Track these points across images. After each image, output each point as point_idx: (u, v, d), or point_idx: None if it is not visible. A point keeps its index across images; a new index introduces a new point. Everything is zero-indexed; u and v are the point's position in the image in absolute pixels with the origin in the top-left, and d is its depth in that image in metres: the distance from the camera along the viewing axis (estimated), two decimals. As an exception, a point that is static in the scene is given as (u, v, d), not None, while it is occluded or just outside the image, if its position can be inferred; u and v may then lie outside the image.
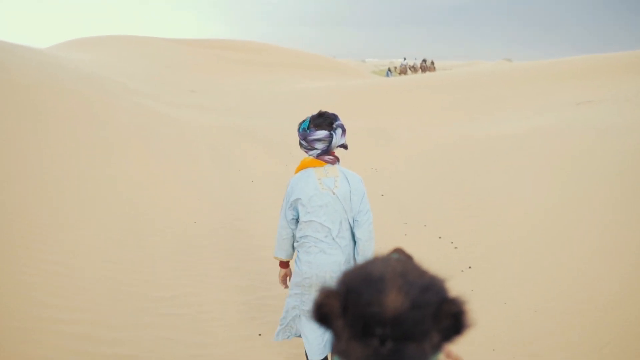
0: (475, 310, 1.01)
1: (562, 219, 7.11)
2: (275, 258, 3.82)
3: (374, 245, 3.57)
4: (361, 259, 3.51)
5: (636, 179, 7.70)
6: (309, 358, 3.65)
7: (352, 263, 3.59)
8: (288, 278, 3.90)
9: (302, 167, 3.56)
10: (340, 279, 1.07)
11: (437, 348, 1.01)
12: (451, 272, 6.45)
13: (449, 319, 1.00)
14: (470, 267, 6.34)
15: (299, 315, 3.68)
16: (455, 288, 1.07)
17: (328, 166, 3.51)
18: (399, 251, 1.36)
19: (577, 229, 6.75)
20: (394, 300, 0.97)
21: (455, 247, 6.87)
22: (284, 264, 3.85)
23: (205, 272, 5.96)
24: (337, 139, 3.47)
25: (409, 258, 1.28)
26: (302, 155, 11.44)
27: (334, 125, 3.49)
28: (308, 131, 3.47)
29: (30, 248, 5.59)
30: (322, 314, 1.02)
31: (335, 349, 1.04)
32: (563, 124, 11.34)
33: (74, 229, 6.34)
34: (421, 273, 1.05)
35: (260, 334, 4.87)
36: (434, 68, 39.58)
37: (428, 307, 0.98)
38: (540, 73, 19.12)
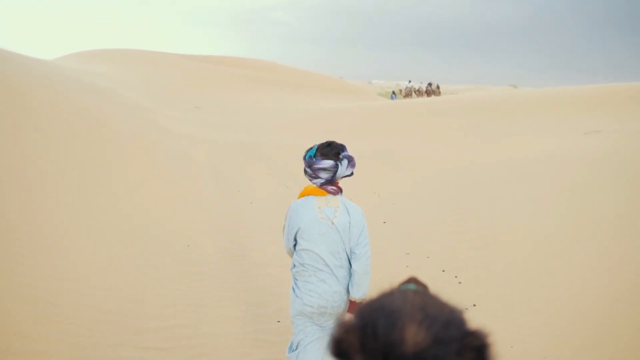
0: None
1: (572, 256, 6.75)
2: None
3: (369, 279, 3.45)
4: (355, 291, 3.40)
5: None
6: None
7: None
8: None
9: (305, 193, 3.49)
10: (358, 312, 1.03)
11: None
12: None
13: (472, 352, 0.97)
14: (474, 305, 5.97)
15: (300, 349, 3.53)
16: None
17: (330, 196, 3.44)
18: (414, 280, 1.28)
19: (589, 267, 6.39)
20: (414, 336, 0.94)
21: (460, 282, 6.50)
22: None
23: (196, 301, 5.59)
24: (342, 170, 3.41)
25: (424, 288, 1.22)
26: (304, 177, 11.18)
27: (341, 156, 3.43)
28: (314, 159, 3.41)
29: (14, 271, 5.26)
30: (340, 349, 0.99)
31: None
32: (572, 154, 11.02)
33: (62, 251, 6.00)
34: (440, 305, 1.03)
35: (250, 373, 4.52)
36: (439, 92, 39.28)
37: (451, 344, 0.95)
38: (548, 101, 18.81)
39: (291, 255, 3.60)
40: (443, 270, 6.81)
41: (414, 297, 1.03)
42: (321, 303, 3.38)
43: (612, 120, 15.03)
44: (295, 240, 3.49)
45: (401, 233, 8.16)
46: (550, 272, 6.48)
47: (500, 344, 3.92)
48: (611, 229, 7.35)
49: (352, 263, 3.42)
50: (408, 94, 38.75)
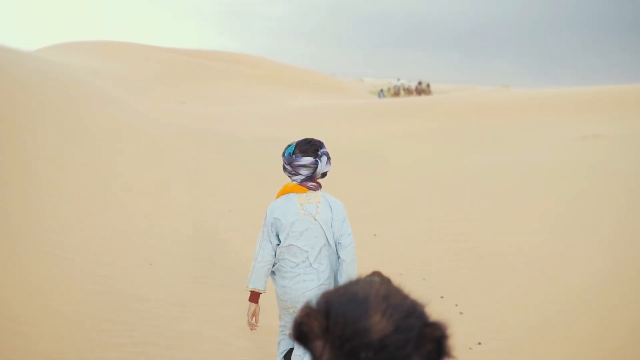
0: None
1: (578, 281, 5.81)
2: (251, 290, 3.47)
3: (357, 267, 3.43)
4: (344, 280, 3.35)
5: None
6: None
7: (328, 287, 3.28)
8: (255, 318, 3.50)
9: (284, 192, 3.45)
10: (322, 298, 1.02)
11: None
12: (456, 348, 5.13)
13: (431, 343, 0.97)
14: (480, 344, 4.98)
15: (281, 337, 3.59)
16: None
17: (310, 192, 3.42)
18: (377, 274, 1.17)
19: (606, 293, 5.42)
20: (378, 324, 0.95)
21: (461, 313, 5.50)
22: (255, 298, 3.49)
23: (142, 340, 4.52)
24: (322, 166, 3.41)
25: (388, 281, 1.15)
26: (286, 180, 10.18)
27: (319, 153, 3.42)
28: (294, 156, 3.40)
29: None
30: (301, 332, 0.99)
31: None
32: (568, 163, 10.12)
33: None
34: (403, 297, 1.04)
35: None
36: (430, 91, 38.20)
37: (411, 332, 0.96)
38: (542, 102, 17.89)
39: (264, 262, 3.41)
40: (442, 297, 5.82)
41: (378, 287, 1.02)
42: (293, 298, 3.36)
43: (610, 124, 14.11)
44: (278, 238, 3.41)
45: (394, 249, 7.16)
46: (564, 299, 5.52)
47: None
48: (618, 243, 6.53)
49: (339, 253, 3.41)
50: (396, 92, 37.59)
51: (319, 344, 0.97)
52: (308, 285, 3.36)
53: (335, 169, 4.16)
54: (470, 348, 4.88)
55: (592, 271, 5.99)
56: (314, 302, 1.01)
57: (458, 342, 4.34)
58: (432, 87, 39.89)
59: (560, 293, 5.66)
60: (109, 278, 5.44)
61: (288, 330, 3.43)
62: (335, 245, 3.44)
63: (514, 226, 7.62)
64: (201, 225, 7.37)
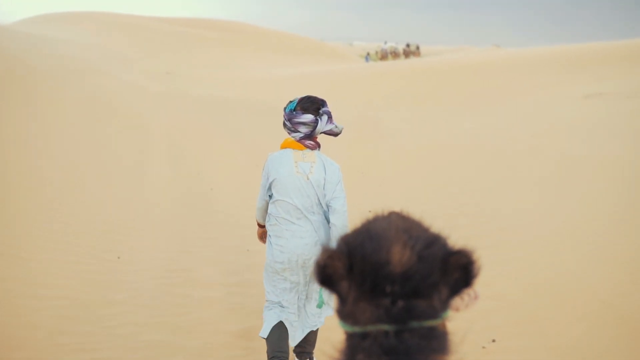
0: None
1: (583, 247, 5.18)
2: (257, 221, 3.67)
3: None
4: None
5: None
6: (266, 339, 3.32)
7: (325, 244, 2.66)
8: (263, 237, 3.68)
9: (284, 146, 3.36)
10: (341, 240, 0.99)
11: (446, 304, 0.94)
12: (466, 349, 4.44)
13: (458, 271, 0.93)
14: (494, 341, 4.27)
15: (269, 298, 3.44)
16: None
17: (307, 151, 3.33)
18: (394, 213, 1.13)
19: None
20: (400, 255, 0.92)
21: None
22: (262, 225, 3.64)
23: (103, 356, 3.75)
24: (322, 125, 3.31)
25: (407, 216, 1.12)
26: (277, 146, 9.44)
27: (321, 111, 3.33)
28: (294, 113, 3.31)
29: None
30: (325, 275, 0.95)
31: (341, 313, 0.97)
32: (577, 122, 9.39)
33: None
34: (424, 229, 1.00)
35: None
36: (419, 53, 37.02)
37: (435, 260, 0.92)
38: (537, 61, 17.04)
39: (263, 206, 3.50)
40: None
41: (397, 221, 1.00)
42: (291, 257, 3.28)
43: (609, 81, 13.32)
44: (271, 191, 3.37)
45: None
46: (566, 268, 4.93)
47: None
48: (625, 206, 5.98)
49: (330, 217, 3.30)
50: (384, 56, 36.29)
51: (344, 285, 0.94)
52: (307, 242, 3.29)
53: (326, 138, 3.61)
54: (483, 347, 4.18)
55: (597, 236, 5.53)
56: (333, 245, 0.96)
57: (468, 340, 3.57)
58: (422, 49, 38.73)
59: (564, 261, 5.17)
60: (69, 278, 4.67)
61: (277, 298, 3.37)
62: (326, 208, 3.34)
63: (526, 200, 6.94)
64: (179, 210, 6.57)
